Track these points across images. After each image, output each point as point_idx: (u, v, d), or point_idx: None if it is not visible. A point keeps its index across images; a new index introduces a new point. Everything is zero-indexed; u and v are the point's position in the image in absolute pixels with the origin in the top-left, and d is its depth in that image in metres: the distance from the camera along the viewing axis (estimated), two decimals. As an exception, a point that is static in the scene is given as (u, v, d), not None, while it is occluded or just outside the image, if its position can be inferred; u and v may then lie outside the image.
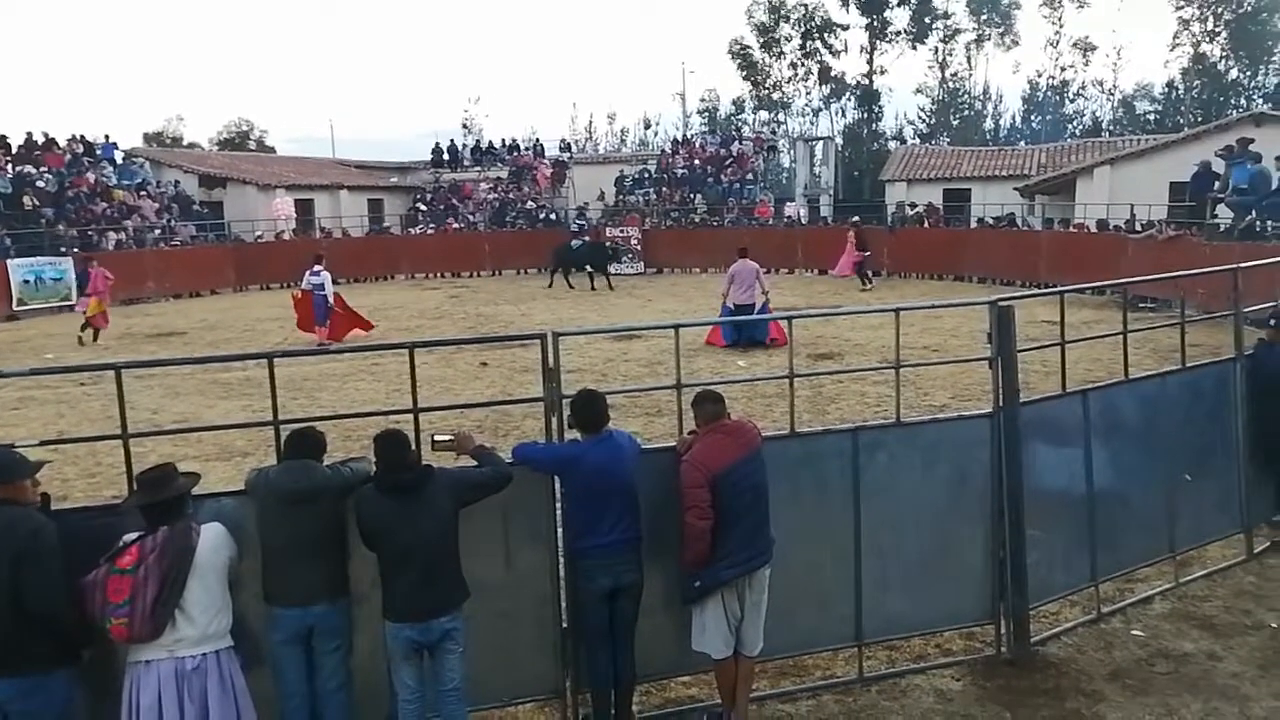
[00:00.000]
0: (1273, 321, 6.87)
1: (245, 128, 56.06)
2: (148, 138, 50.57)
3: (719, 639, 4.56)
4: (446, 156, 38.25)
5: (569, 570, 4.64)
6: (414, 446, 4.35)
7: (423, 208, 34.80)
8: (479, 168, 37.41)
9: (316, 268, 16.53)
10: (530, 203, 34.17)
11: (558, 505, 4.67)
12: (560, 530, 4.67)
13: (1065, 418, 5.72)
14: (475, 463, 4.43)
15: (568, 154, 39.10)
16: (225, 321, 20.28)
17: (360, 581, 4.27)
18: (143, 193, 28.95)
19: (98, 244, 24.63)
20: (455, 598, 4.19)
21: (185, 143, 51.95)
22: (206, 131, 54.68)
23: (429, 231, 32.29)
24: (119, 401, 4.16)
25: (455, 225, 32.77)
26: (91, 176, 27.81)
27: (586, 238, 26.81)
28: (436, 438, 4.46)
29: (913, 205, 29.19)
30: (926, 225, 27.17)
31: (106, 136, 30.58)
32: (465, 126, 54.09)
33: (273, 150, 51.02)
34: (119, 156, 30.80)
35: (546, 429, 4.75)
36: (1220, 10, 44.64)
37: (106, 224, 26.03)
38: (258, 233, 29.78)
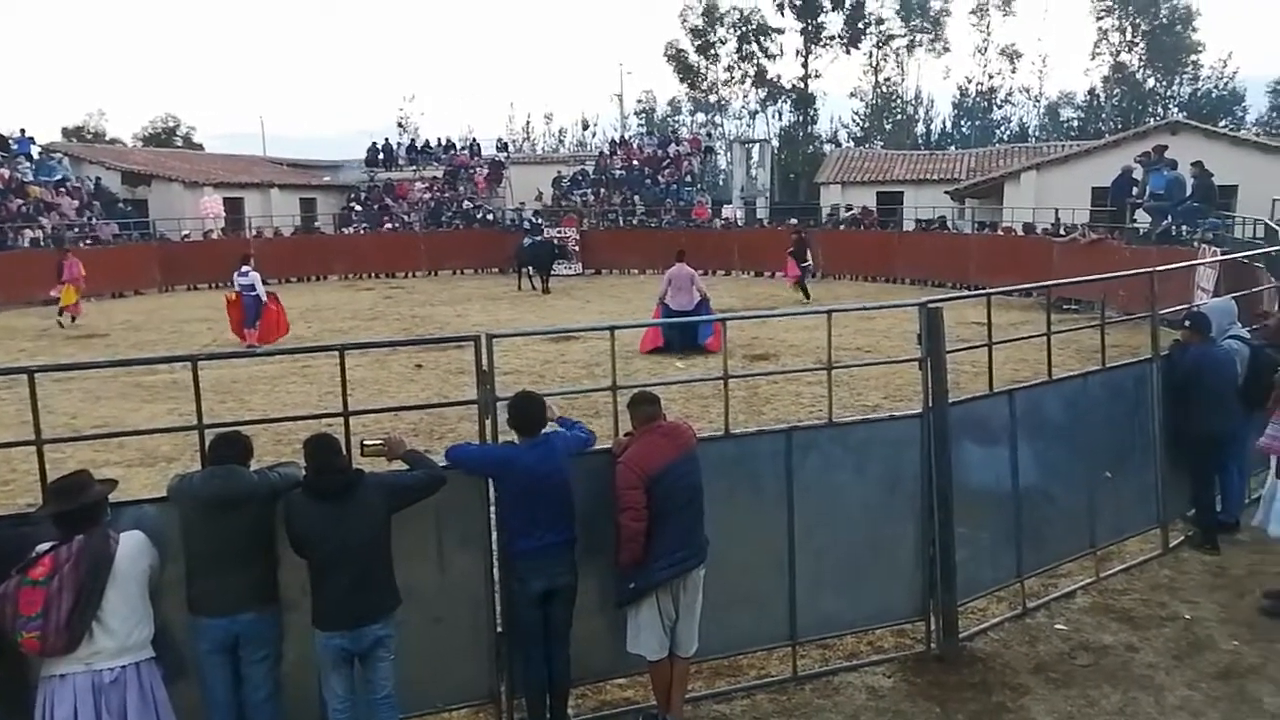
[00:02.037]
0: (1187, 323, 7.12)
1: (172, 124, 54.53)
2: (67, 133, 48.92)
3: (654, 640, 4.57)
4: (381, 155, 37.71)
5: (503, 573, 4.61)
6: (344, 450, 4.28)
7: (357, 207, 34.25)
8: (414, 167, 36.96)
9: (245, 268, 16.14)
10: (467, 203, 33.88)
11: (491, 508, 4.63)
12: (494, 533, 4.63)
13: (992, 417, 5.86)
14: (407, 466, 4.38)
15: (505, 154, 38.83)
16: (150, 323, 19.71)
17: (289, 588, 4.18)
18: (61, 189, 27.97)
19: (12, 242, 23.72)
20: (387, 604, 4.12)
21: (107, 138, 50.30)
22: (130, 127, 53.29)
23: (363, 231, 31.78)
24: (32, 406, 4.01)
25: (390, 225, 32.31)
26: (5, 172, 26.78)
27: (538, 237, 26.68)
28: (366, 442, 4.40)
29: (848, 208, 29.65)
30: (862, 228, 27.61)
31: (22, 130, 29.51)
32: (400, 125, 53.56)
33: (200, 147, 49.70)
34: (35, 151, 29.70)
35: (481, 432, 4.70)
36: (1138, 21, 46.24)
37: (22, 221, 25.09)
38: (185, 232, 28.98)
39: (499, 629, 4.72)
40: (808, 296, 20.78)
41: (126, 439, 9.47)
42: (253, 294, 15.88)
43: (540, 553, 4.41)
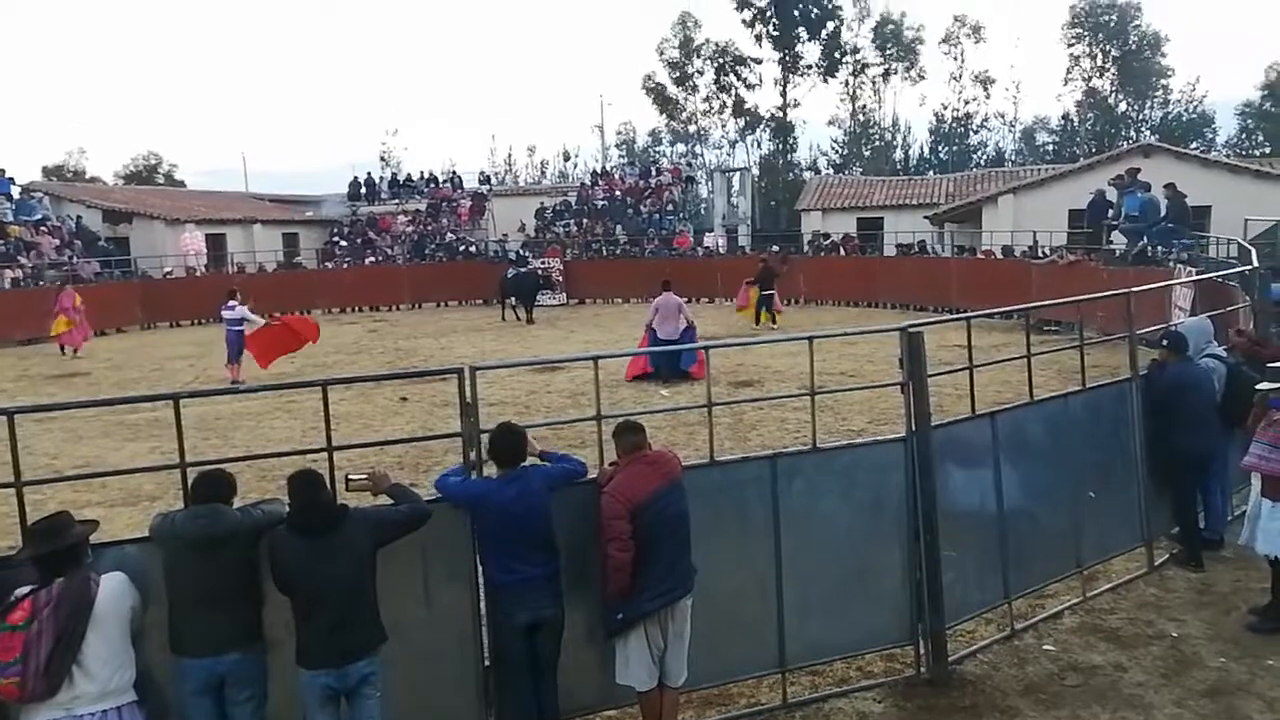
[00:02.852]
0: (1165, 342, 7.20)
1: (153, 161, 54.45)
2: (47, 171, 48.83)
3: (643, 671, 4.55)
4: (364, 190, 37.76)
5: (488, 606, 4.58)
6: (329, 486, 4.26)
7: (340, 242, 34.23)
8: (397, 200, 37.02)
9: (231, 303, 16.10)
10: (450, 235, 33.94)
11: (478, 541, 4.61)
12: (480, 567, 4.61)
13: (975, 439, 5.90)
14: (391, 501, 4.36)
15: (487, 186, 38.98)
16: (132, 361, 19.57)
17: (274, 627, 4.15)
18: (42, 229, 27.84)
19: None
20: (373, 640, 4.09)
21: (88, 177, 50.20)
22: (111, 165, 53.06)
23: (346, 265, 31.75)
24: (12, 447, 3.98)
25: (373, 259, 32.31)
26: (-14, 212, 26.66)
27: (522, 268, 26.73)
28: (351, 477, 4.38)
29: (827, 235, 29.86)
30: (842, 253, 27.81)
31: (1, 170, 29.40)
32: (383, 159, 53.62)
33: (182, 184, 49.62)
34: (15, 191, 29.56)
35: (465, 464, 4.70)
36: (1108, 47, 47.02)
37: (2, 262, 24.95)
38: (167, 269, 28.86)
39: (486, 663, 4.68)
40: (774, 323, 20.75)
41: (108, 479, 9.39)
42: (238, 328, 15.81)
43: (521, 586, 4.39)
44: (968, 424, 5.88)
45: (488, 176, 41.28)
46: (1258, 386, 6.13)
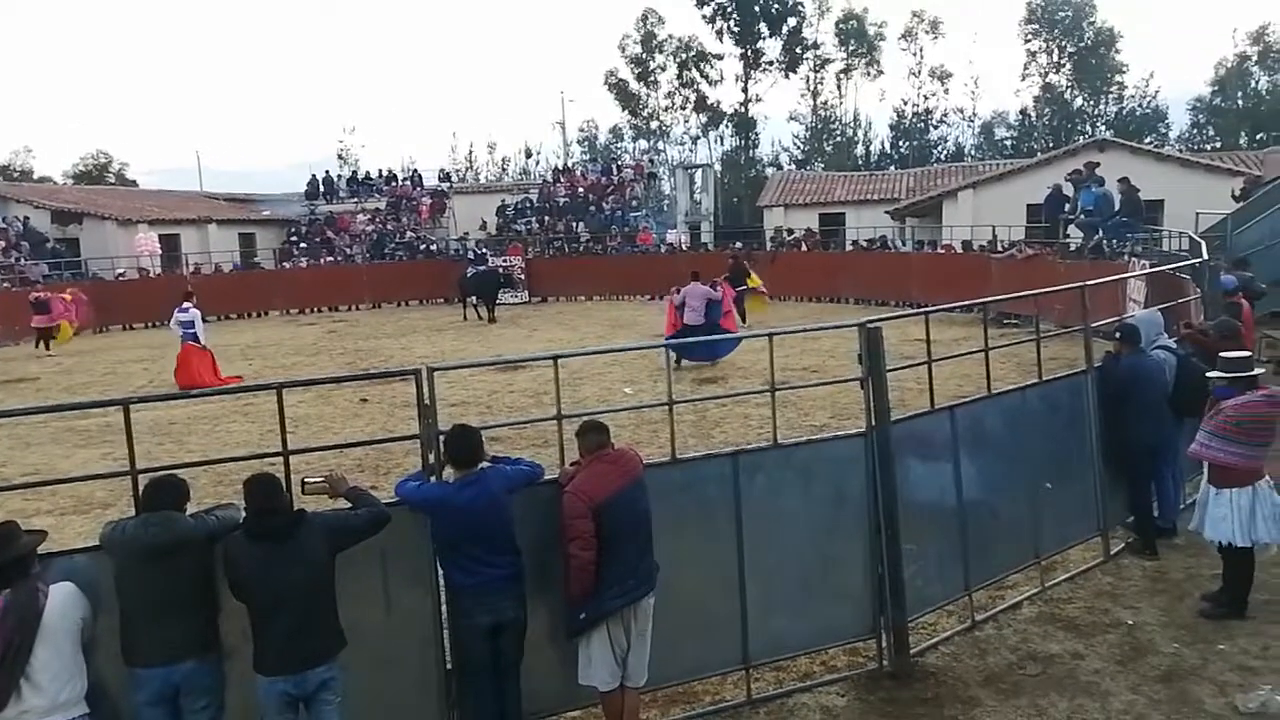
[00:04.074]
0: (1118, 334, 7.31)
1: (103, 160, 53.38)
2: (-8, 171, 47.69)
3: (605, 671, 4.53)
4: (321, 188, 37.36)
5: (449, 609, 4.54)
6: (285, 490, 4.19)
7: (300, 242, 33.76)
8: (356, 199, 36.66)
9: (185, 305, 15.84)
10: (410, 234, 33.66)
11: (438, 544, 4.57)
12: (440, 569, 4.56)
13: (934, 433, 5.94)
14: (349, 505, 4.30)
15: (448, 184, 38.70)
16: (83, 365, 19.18)
17: (230, 634, 4.08)
18: (-12, 230, 27.23)
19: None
20: (331, 646, 4.04)
21: (36, 176, 49.10)
22: (60, 165, 51.75)
23: (303, 265, 31.35)
24: (-45, 457, 3.87)
25: (332, 258, 31.93)
26: (-72, 213, 25.99)
27: (484, 267, 26.56)
28: (307, 480, 4.32)
29: (790, 231, 30.02)
30: (804, 249, 27.96)
31: (-55, 171, 28.71)
32: (341, 157, 53.09)
33: (134, 184, 48.71)
34: (-40, 192, 28.87)
35: (424, 466, 4.65)
36: (1064, 44, 47.74)
37: (-52, 265, 24.38)
38: (119, 270, 28.32)
39: (448, 666, 4.64)
40: (743, 320, 20.80)
41: (58, 486, 9.19)
42: (191, 331, 15.57)
43: (482, 588, 4.36)
44: (927, 418, 5.92)
45: (448, 174, 40.96)
46: (1208, 374, 6.26)
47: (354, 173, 40.68)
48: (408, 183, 37.51)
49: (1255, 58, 46.07)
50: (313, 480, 4.34)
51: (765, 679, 5.48)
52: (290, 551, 3.95)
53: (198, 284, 24.05)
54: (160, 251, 30.38)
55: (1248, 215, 17.28)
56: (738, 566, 5.21)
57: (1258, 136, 41.10)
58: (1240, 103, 45.73)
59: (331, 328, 24.43)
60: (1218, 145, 42.32)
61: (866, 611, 5.58)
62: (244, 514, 4.07)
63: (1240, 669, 5.34)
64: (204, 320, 15.99)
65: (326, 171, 38.50)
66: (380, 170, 38.66)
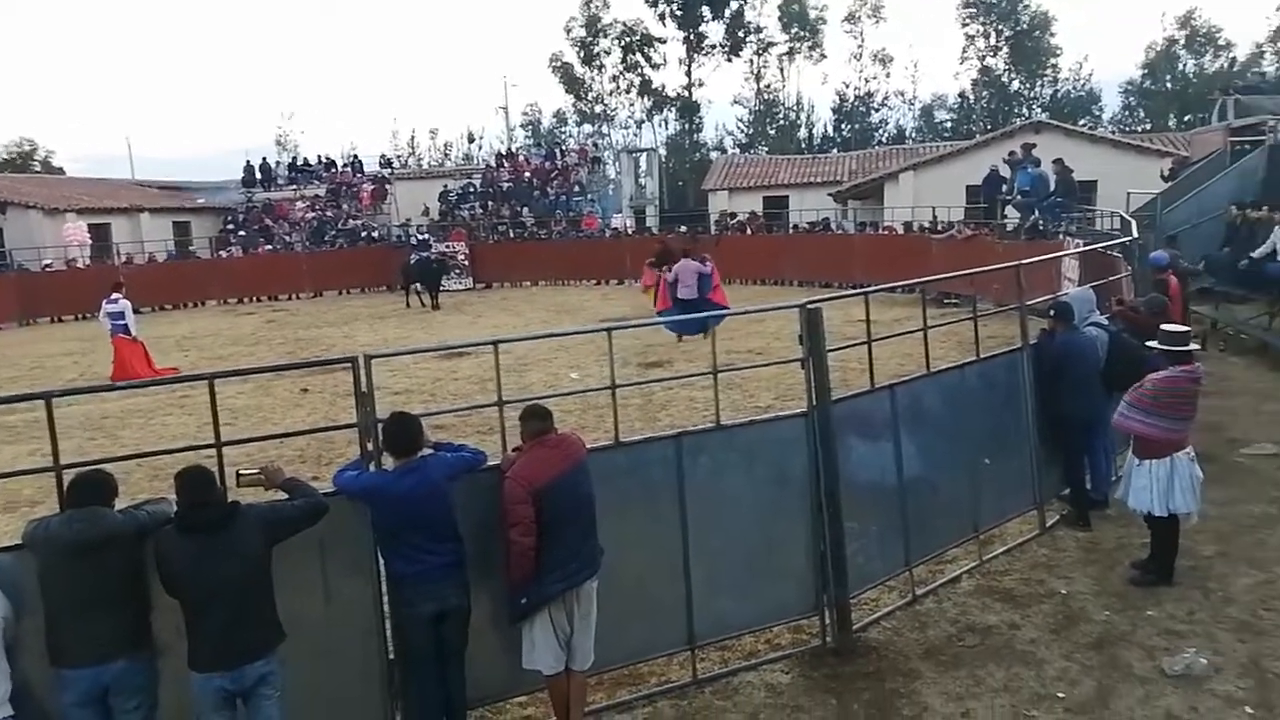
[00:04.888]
0: (1052, 312, 7.47)
1: (27, 148, 51.49)
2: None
3: (549, 655, 4.53)
4: (259, 175, 36.54)
5: (391, 598, 4.49)
6: (220, 482, 4.10)
7: (239, 231, 32.95)
8: (295, 186, 35.93)
9: (114, 295, 15.40)
10: (351, 221, 33.11)
11: (378, 533, 4.51)
12: (381, 558, 4.51)
13: (875, 412, 6.02)
14: (287, 495, 4.23)
15: (389, 170, 38.14)
16: (8, 358, 18.57)
17: (164, 631, 3.98)
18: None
19: None
20: (269, 640, 3.97)
21: (-47, 165, 47.29)
22: (-20, 153, 49.67)
23: (239, 254, 30.64)
24: None
25: (270, 247, 31.28)
26: None
27: (427, 253, 26.24)
28: (241, 472, 4.23)
29: (734, 214, 30.12)
30: (749, 232, 28.09)
31: None
32: (279, 143, 51.91)
33: (61, 171, 47.11)
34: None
35: (363, 455, 4.59)
36: (1000, 27, 48.48)
37: None
38: (46, 261, 27.44)
39: (390, 656, 4.59)
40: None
41: (-16, 484, 8.90)
42: (121, 322, 15.15)
43: (424, 576, 4.32)
44: (867, 397, 5.99)
45: (389, 160, 40.41)
46: (1146, 344, 6.42)
47: (293, 159, 39.88)
48: (348, 169, 36.87)
49: (1182, 42, 47.30)
50: (248, 472, 4.26)
51: (711, 659, 5.52)
52: (224, 544, 3.86)
53: (130, 275, 23.45)
54: (90, 241, 29.46)
55: (1175, 195, 17.78)
56: (682, 548, 5.23)
57: (1185, 118, 42.18)
58: (1169, 85, 46.90)
59: (271, 317, 23.96)
60: (1148, 127, 43.41)
61: (810, 589, 5.65)
62: (176, 508, 3.97)
63: (1167, 633, 5.52)
64: (136, 311, 15.57)
65: (264, 158, 37.67)
66: (320, 156, 37.94)
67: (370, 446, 4.56)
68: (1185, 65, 47.36)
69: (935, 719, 4.84)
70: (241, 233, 32.66)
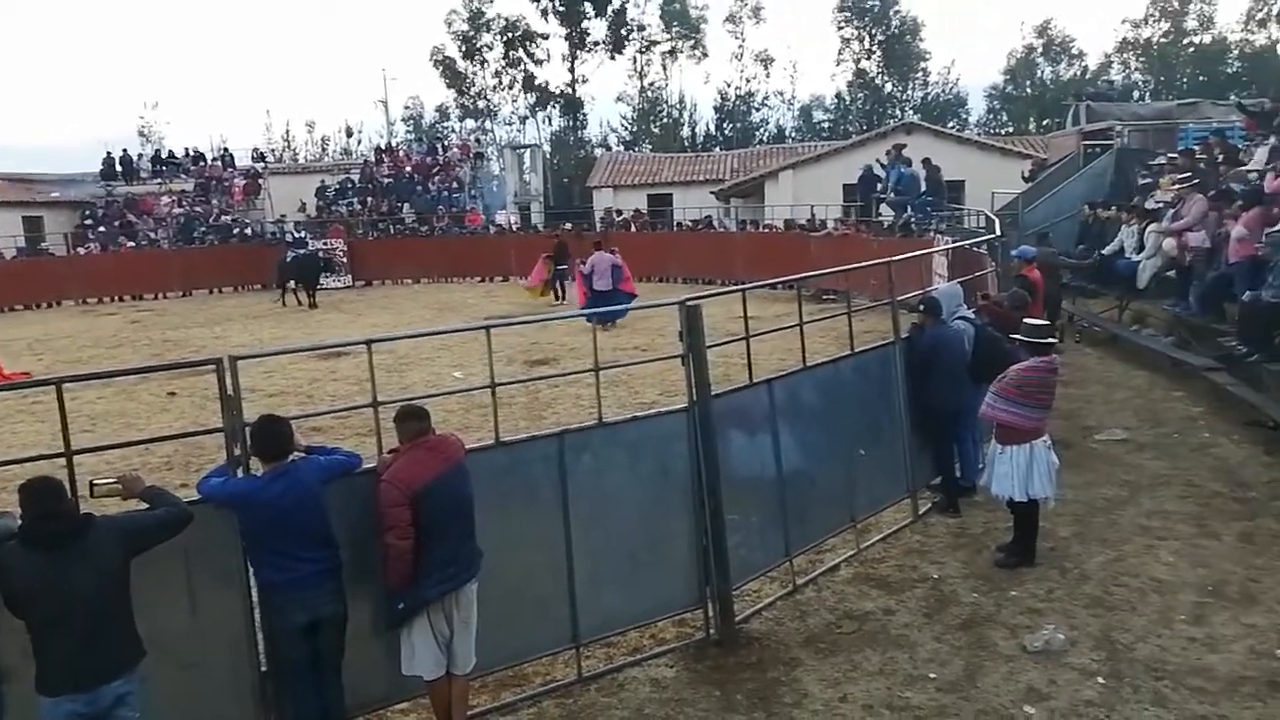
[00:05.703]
0: (921, 306, 7.76)
1: None
2: None
3: (429, 660, 4.45)
4: (120, 168, 34.56)
5: (262, 608, 4.33)
6: (71, 494, 3.86)
7: (99, 227, 31.09)
8: (160, 180, 34.15)
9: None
10: (223, 216, 31.73)
11: (247, 541, 4.33)
12: (251, 567, 4.33)
13: (754, 406, 6.13)
14: (146, 505, 4.01)
15: (262, 164, 36.69)
16: None
17: (8, 653, 3.73)
18: None
19: None
20: (127, 658, 3.76)
21: None
22: None
23: (98, 251, 28.95)
24: None
25: (131, 244, 29.68)
26: None
27: (303, 250, 25.38)
28: (96, 482, 4.00)
29: (619, 211, 30.22)
30: (633, 229, 28.22)
31: None
32: (142, 134, 49.28)
33: (-105, 161, 43.56)
34: None
35: (230, 460, 4.40)
36: (873, 31, 50.10)
37: None
38: (-124, 258, 25.39)
39: (263, 668, 4.42)
40: (560, 299, 21.02)
41: None
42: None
43: (296, 584, 4.18)
44: (746, 392, 6.09)
45: (262, 154, 38.80)
46: (1013, 337, 6.73)
47: (157, 151, 37.91)
48: (218, 162, 35.28)
49: (1040, 50, 49.86)
50: (103, 481, 4.03)
51: (596, 656, 5.52)
52: (75, 559, 3.64)
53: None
54: (-71, 237, 27.38)
55: (1035, 194, 18.76)
56: (565, 546, 5.22)
57: (1044, 122, 44.46)
58: (1029, 91, 49.37)
59: (135, 318, 22.77)
60: (1010, 130, 45.62)
61: (693, 583, 5.71)
62: (20, 522, 3.71)
63: (1029, 612, 5.82)
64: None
65: (125, 150, 35.68)
66: (187, 149, 36.19)
67: (238, 451, 4.38)
68: (1043, 72, 49.92)
69: (814, 705, 4.97)
70: (101, 229, 30.87)
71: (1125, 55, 49.07)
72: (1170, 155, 15.35)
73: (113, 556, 3.74)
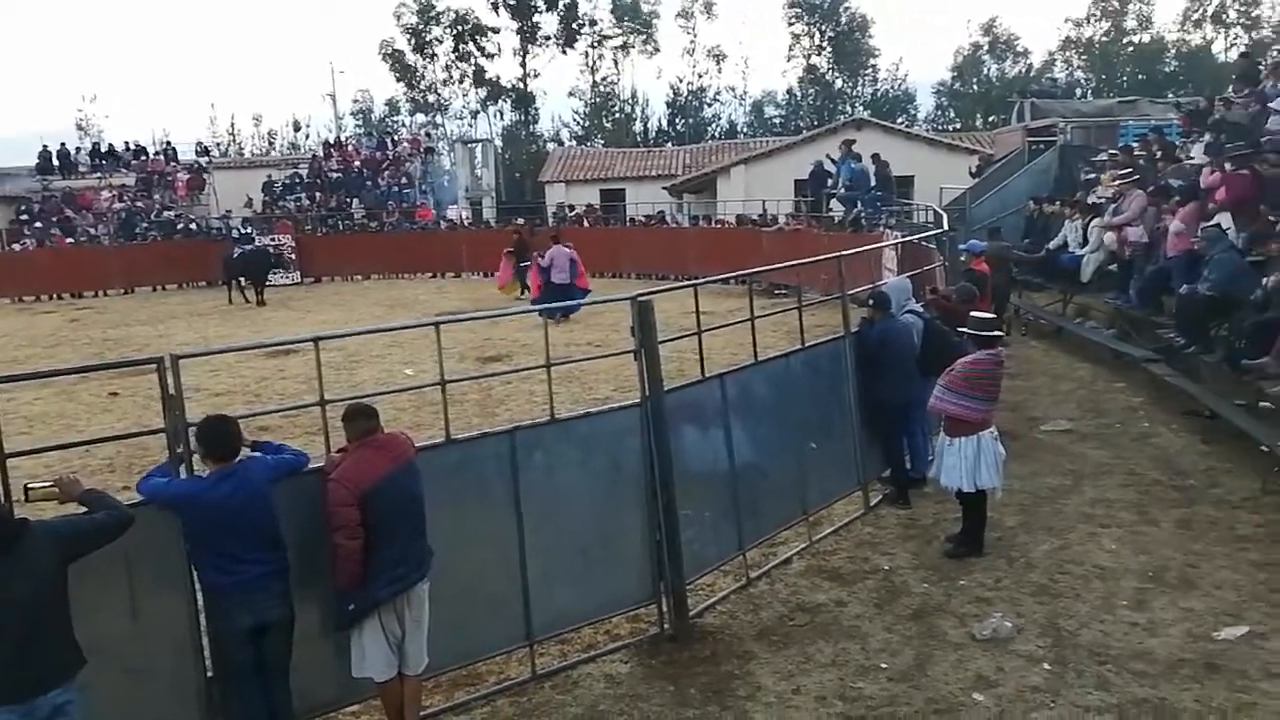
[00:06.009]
0: (871, 301, 7.84)
1: None
2: None
3: (381, 661, 4.40)
4: (57, 161, 33.59)
5: (207, 612, 4.24)
6: (5, 499, 3.75)
7: (35, 223, 30.15)
8: (99, 174, 33.26)
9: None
10: (166, 212, 31.01)
11: (191, 544, 4.24)
12: (195, 570, 4.24)
13: (706, 401, 6.15)
14: (85, 509, 3.90)
15: (207, 158, 35.93)
16: None
17: (-60, 666, 3.60)
18: None
19: None
20: (66, 666, 3.65)
21: None
22: None
23: (34, 247, 28.12)
24: None
25: (71, 240, 28.89)
26: None
27: (250, 246, 24.90)
28: (31, 486, 3.88)
29: (571, 207, 30.12)
30: (586, 225, 28.15)
31: None
32: (80, 128, 47.99)
33: None
34: None
35: (172, 460, 4.30)
36: (823, 28, 50.54)
37: None
38: None
39: (209, 673, 4.33)
40: (522, 293, 20.90)
41: None
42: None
43: (242, 587, 4.09)
44: (698, 386, 6.11)
45: (206, 148, 38.01)
46: (959, 330, 6.83)
47: (96, 145, 36.93)
48: (160, 157, 34.43)
49: (986, 47, 50.72)
50: (38, 485, 3.91)
51: (550, 653, 5.51)
52: (10, 565, 3.52)
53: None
54: None
55: (982, 190, 19.09)
56: (518, 543, 5.19)
57: (990, 119, 45.17)
58: (975, 87, 50.18)
59: (74, 316, 22.16)
60: (958, 126, 46.31)
61: (646, 578, 5.72)
62: (-50, 528, 3.59)
63: (977, 600, 5.92)
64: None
65: (63, 144, 34.63)
66: (128, 143, 35.27)
67: (180, 451, 4.28)
68: (989, 69, 50.79)
69: (768, 697, 5.00)
70: (37, 224, 29.97)
71: (1068, 53, 50.19)
72: (1111, 152, 15.71)
73: (49, 562, 3.63)
